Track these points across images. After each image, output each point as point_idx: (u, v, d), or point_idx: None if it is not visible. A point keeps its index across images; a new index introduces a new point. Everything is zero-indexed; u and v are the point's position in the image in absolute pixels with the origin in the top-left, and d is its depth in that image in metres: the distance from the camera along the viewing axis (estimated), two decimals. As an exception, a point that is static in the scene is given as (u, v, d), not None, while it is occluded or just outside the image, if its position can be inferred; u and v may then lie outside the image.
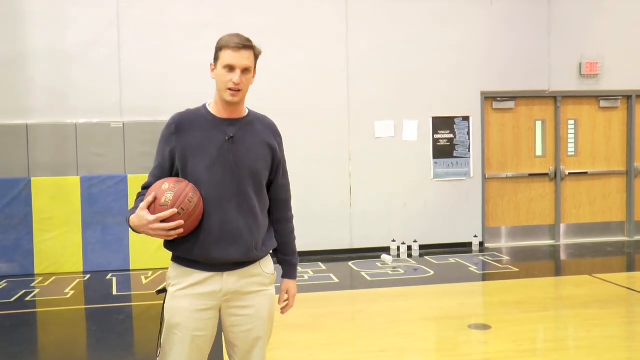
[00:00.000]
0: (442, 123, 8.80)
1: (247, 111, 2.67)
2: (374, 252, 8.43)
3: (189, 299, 2.49)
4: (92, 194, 7.63)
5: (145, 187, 2.56)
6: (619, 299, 6.12)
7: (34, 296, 6.61)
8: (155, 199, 2.36)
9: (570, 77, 9.08)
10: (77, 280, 7.25)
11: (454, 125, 8.83)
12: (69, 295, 6.62)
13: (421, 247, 8.56)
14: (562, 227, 9.31)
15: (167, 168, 2.54)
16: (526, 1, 8.91)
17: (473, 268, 7.66)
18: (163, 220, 2.36)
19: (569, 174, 9.27)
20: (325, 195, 8.48)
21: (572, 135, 9.30)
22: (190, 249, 2.49)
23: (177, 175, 2.53)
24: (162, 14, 8.06)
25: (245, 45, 2.48)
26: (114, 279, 7.24)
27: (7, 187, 7.56)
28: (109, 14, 7.99)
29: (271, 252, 2.74)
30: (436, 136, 8.79)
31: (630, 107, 9.37)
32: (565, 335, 5.15)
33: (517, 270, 7.52)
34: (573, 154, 9.30)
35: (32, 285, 7.08)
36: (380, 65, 8.58)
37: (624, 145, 9.41)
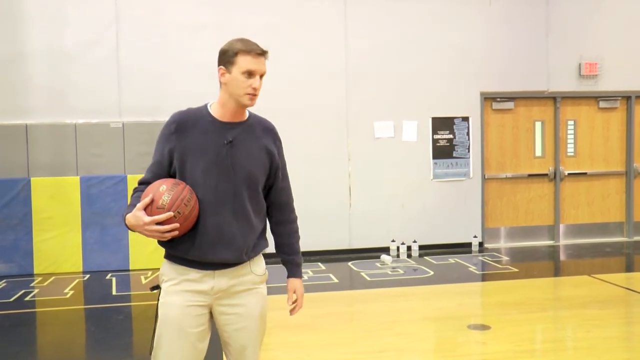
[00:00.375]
0: (441, 123, 8.80)
1: (247, 114, 2.68)
2: (373, 253, 8.44)
3: (182, 294, 2.52)
4: (92, 194, 7.63)
5: (142, 183, 2.58)
6: (617, 299, 6.13)
7: (33, 296, 6.61)
8: (152, 201, 2.38)
9: (570, 78, 9.08)
10: (77, 280, 7.25)
11: (454, 126, 8.83)
12: (68, 296, 6.62)
13: (420, 247, 8.56)
14: (561, 227, 9.32)
15: (166, 166, 2.56)
16: (525, 2, 8.92)
17: (472, 268, 7.66)
18: (159, 222, 2.38)
19: (568, 174, 9.28)
20: (324, 196, 8.48)
21: (571, 136, 9.30)
22: (186, 249, 2.51)
23: (174, 174, 2.55)
24: (161, 14, 8.06)
25: (264, 51, 2.58)
26: (114, 279, 7.24)
27: (7, 187, 7.55)
28: (108, 14, 8.00)
29: (263, 252, 2.77)
30: (435, 136, 8.80)
31: (629, 108, 9.38)
32: (564, 335, 5.16)
33: (516, 270, 7.52)
34: (572, 154, 9.31)
35: (32, 285, 7.07)
36: (380, 65, 8.58)
37: (623, 146, 9.42)
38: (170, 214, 2.37)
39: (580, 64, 9.05)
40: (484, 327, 5.16)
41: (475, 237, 8.82)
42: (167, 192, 2.39)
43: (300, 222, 8.36)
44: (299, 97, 8.39)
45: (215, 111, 2.59)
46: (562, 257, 8.70)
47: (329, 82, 8.49)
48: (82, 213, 7.64)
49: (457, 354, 4.63)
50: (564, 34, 9.01)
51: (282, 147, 2.80)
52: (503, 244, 9.19)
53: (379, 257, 8.21)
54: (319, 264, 8.02)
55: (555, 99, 9.18)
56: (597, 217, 9.41)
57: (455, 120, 8.83)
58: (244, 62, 2.51)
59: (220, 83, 2.58)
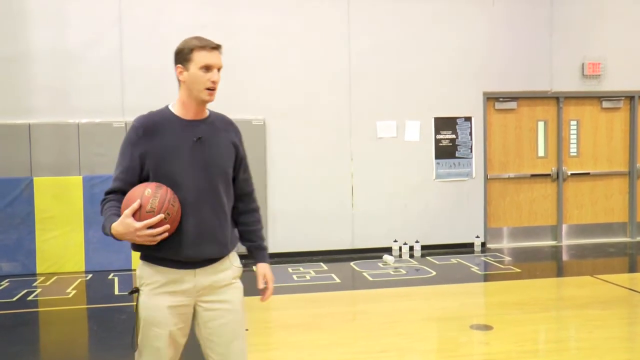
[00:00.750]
0: (444, 123, 8.79)
1: (208, 112, 2.71)
2: (375, 253, 8.43)
3: (166, 296, 2.55)
4: (94, 194, 7.63)
5: (111, 192, 2.58)
6: (620, 300, 6.11)
7: (36, 296, 6.62)
8: (140, 206, 2.37)
9: (573, 78, 9.07)
10: (79, 280, 7.26)
11: (456, 126, 8.82)
12: (70, 295, 6.63)
13: (423, 247, 8.56)
14: (564, 227, 9.30)
15: (137, 172, 2.56)
16: (528, 1, 8.90)
17: (475, 268, 7.65)
18: (150, 226, 2.39)
19: (571, 174, 9.26)
20: (327, 196, 8.48)
21: (574, 136, 9.28)
22: (170, 250, 2.53)
23: (146, 179, 2.55)
24: (164, 14, 8.07)
25: (218, 45, 2.64)
26: (116, 279, 7.25)
27: (9, 187, 7.57)
28: (111, 14, 8.01)
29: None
30: (438, 136, 8.79)
31: (632, 108, 9.36)
32: (566, 336, 5.15)
33: (518, 270, 7.51)
34: (575, 154, 9.29)
35: (34, 284, 7.09)
36: (382, 65, 8.57)
37: (627, 146, 9.40)
38: (161, 216, 2.38)
39: (583, 64, 9.03)
40: (486, 328, 5.15)
41: (477, 237, 8.80)
42: (154, 195, 2.40)
43: (302, 222, 8.48)
44: (302, 97, 8.39)
45: (177, 111, 2.62)
46: (564, 257, 8.68)
47: (331, 82, 8.48)
48: (84, 212, 7.65)
49: (459, 354, 4.62)
50: (567, 34, 8.99)
51: (242, 139, 2.83)
52: (506, 244, 9.17)
53: (381, 257, 8.21)
54: (321, 264, 8.01)
55: (558, 99, 9.16)
56: (600, 218, 9.39)
57: (458, 120, 8.82)
58: (200, 57, 2.56)
59: (179, 82, 2.62)
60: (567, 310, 5.81)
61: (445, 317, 5.54)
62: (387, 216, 8.64)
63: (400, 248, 8.47)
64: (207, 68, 2.57)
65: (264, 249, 2.88)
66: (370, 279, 7.17)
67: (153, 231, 2.38)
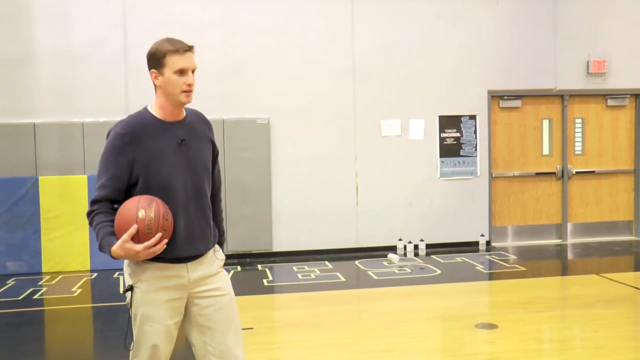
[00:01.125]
0: (448, 122, 8.78)
1: (184, 111, 2.73)
2: (380, 251, 8.43)
3: (162, 291, 2.61)
4: (99, 193, 7.65)
5: (99, 201, 2.57)
6: (626, 298, 6.09)
7: (42, 294, 6.64)
8: (137, 230, 2.42)
9: (577, 76, 9.04)
10: (84, 279, 7.28)
11: (461, 124, 8.81)
12: (76, 294, 6.65)
13: (428, 246, 8.55)
14: (569, 226, 9.27)
15: (125, 179, 2.56)
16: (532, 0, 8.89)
17: (479, 267, 7.64)
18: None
19: (576, 172, 9.23)
20: (331, 194, 8.48)
21: (579, 134, 9.26)
22: (164, 250, 2.54)
23: (135, 184, 2.57)
24: (168, 15, 8.07)
25: (190, 47, 2.60)
26: (121, 278, 7.26)
27: (15, 186, 7.59)
28: (115, 15, 8.02)
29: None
30: (443, 135, 8.78)
31: (637, 106, 9.32)
32: (571, 335, 5.14)
33: (523, 269, 7.50)
34: (580, 152, 9.27)
35: (40, 283, 7.11)
36: (387, 64, 8.56)
37: (632, 144, 9.37)
38: (160, 235, 2.45)
39: (588, 62, 9.00)
40: (491, 326, 5.14)
41: (482, 235, 8.79)
42: (148, 217, 2.43)
43: (307, 221, 8.49)
44: (306, 97, 8.39)
45: (157, 113, 2.65)
46: (570, 255, 8.66)
47: (336, 81, 8.48)
48: (89, 212, 7.66)
49: (464, 353, 4.62)
50: (571, 32, 8.96)
51: (213, 132, 2.87)
52: (510, 242, 9.15)
53: (386, 256, 8.20)
54: (326, 262, 8.02)
55: (563, 97, 9.14)
56: (605, 216, 9.36)
57: (463, 119, 8.80)
58: (173, 61, 2.56)
59: (155, 86, 2.64)
60: (572, 309, 5.79)
61: (450, 316, 5.53)
62: (392, 215, 8.64)
63: (405, 247, 8.47)
64: (182, 72, 2.57)
65: (222, 243, 2.95)
66: (375, 277, 7.16)
67: (155, 249, 2.46)
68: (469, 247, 8.75)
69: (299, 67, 8.37)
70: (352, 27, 8.52)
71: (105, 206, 2.57)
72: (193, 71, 2.61)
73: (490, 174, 8.97)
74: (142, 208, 2.44)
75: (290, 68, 8.36)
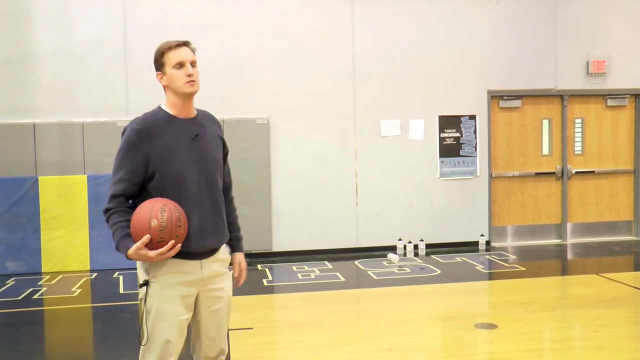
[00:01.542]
0: (448, 122, 8.78)
1: (195, 111, 2.87)
2: (380, 251, 8.43)
3: (177, 287, 2.70)
4: (99, 193, 7.65)
5: (117, 196, 2.69)
6: (626, 298, 6.09)
7: (41, 294, 6.64)
8: (151, 240, 2.54)
9: (577, 76, 9.04)
10: (84, 279, 7.28)
11: (461, 124, 8.81)
12: (75, 294, 6.65)
13: (427, 246, 8.55)
14: (569, 226, 9.28)
15: (141, 173, 2.68)
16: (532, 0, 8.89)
17: (479, 267, 7.64)
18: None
19: (576, 172, 9.24)
20: (331, 194, 8.48)
21: (579, 134, 9.26)
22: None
23: (150, 178, 2.67)
24: (168, 15, 8.07)
25: (184, 42, 2.77)
26: (121, 278, 7.26)
27: (15, 186, 7.59)
28: (115, 15, 8.02)
29: None
30: (442, 135, 8.78)
31: (637, 106, 9.32)
32: (571, 335, 5.14)
33: (523, 269, 7.50)
34: (580, 152, 9.27)
35: (39, 283, 7.11)
36: (387, 64, 8.56)
37: (632, 144, 9.37)
38: (172, 242, 2.56)
39: (588, 62, 9.00)
40: (491, 326, 5.14)
41: (482, 235, 8.79)
42: (160, 226, 2.53)
43: (306, 221, 8.49)
44: (306, 97, 8.39)
45: (170, 111, 2.77)
46: (569, 255, 8.66)
47: (336, 81, 8.48)
48: (89, 212, 7.67)
49: (464, 353, 4.62)
50: (571, 32, 8.96)
51: (223, 132, 3.02)
52: (510, 242, 9.16)
53: (385, 256, 8.20)
54: (326, 262, 8.01)
55: (562, 97, 9.14)
56: (605, 216, 9.37)
57: (462, 119, 8.81)
58: (170, 57, 2.73)
59: (164, 87, 2.79)
60: (572, 309, 5.79)
61: (450, 316, 5.53)
62: (392, 215, 8.64)
63: (404, 246, 8.47)
64: (180, 65, 2.71)
65: (240, 239, 3.07)
66: (375, 277, 7.16)
67: (167, 254, 2.58)
68: (469, 247, 8.75)
69: (298, 67, 8.37)
70: (352, 27, 8.52)
71: (122, 204, 2.69)
72: (192, 64, 2.74)
73: (490, 174, 8.97)
74: (154, 217, 2.53)
75: (290, 68, 8.36)
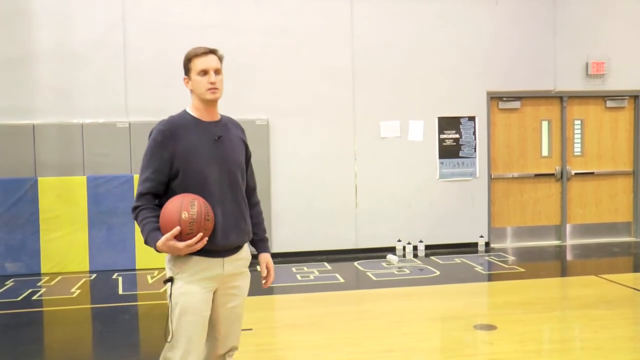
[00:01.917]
0: (447, 123, 8.78)
1: (220, 115, 3.01)
2: (379, 252, 8.43)
3: (199, 283, 2.79)
4: (98, 194, 7.65)
5: (145, 194, 2.80)
6: (625, 299, 6.10)
7: (40, 295, 6.63)
8: (180, 232, 2.64)
9: (577, 77, 9.05)
10: (83, 280, 7.27)
11: (460, 125, 8.81)
12: (75, 295, 6.64)
13: (427, 247, 8.55)
14: (568, 227, 9.28)
15: (166, 172, 2.80)
16: (531, 1, 8.88)
17: (479, 268, 7.64)
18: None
19: (575, 174, 9.24)
20: (330, 195, 8.48)
21: (579, 136, 9.26)
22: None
23: (174, 177, 2.79)
24: (168, 15, 8.08)
25: (211, 50, 2.91)
26: (120, 279, 7.26)
27: (14, 187, 7.59)
28: (115, 15, 8.02)
29: None
30: (442, 136, 8.78)
31: (637, 107, 9.33)
32: (571, 336, 5.14)
33: (522, 270, 7.50)
34: (579, 154, 9.27)
35: (39, 284, 7.10)
36: (386, 65, 8.57)
37: (631, 146, 9.38)
38: (201, 234, 2.67)
39: (587, 63, 9.01)
40: (490, 327, 5.14)
41: (481, 236, 8.79)
42: (190, 218, 2.64)
43: (306, 222, 8.49)
44: (305, 97, 8.39)
45: (194, 114, 2.92)
46: (569, 257, 8.66)
47: (335, 82, 8.48)
48: (88, 213, 7.66)
49: (463, 354, 4.62)
50: (570, 33, 8.97)
51: (247, 138, 3.12)
52: (509, 243, 9.16)
53: (385, 257, 8.20)
54: (325, 263, 8.01)
55: (562, 99, 9.14)
56: (604, 217, 9.37)
57: (462, 120, 8.81)
58: (196, 64, 2.87)
59: (190, 91, 2.93)
60: (572, 310, 5.80)
61: (449, 317, 5.53)
62: (391, 216, 8.64)
63: (404, 248, 8.47)
64: (204, 72, 2.85)
65: (266, 240, 3.20)
66: (374, 278, 7.16)
67: (195, 246, 2.68)
68: (468, 248, 8.75)
69: (298, 68, 8.37)
70: (352, 27, 8.52)
71: (149, 201, 2.79)
72: (216, 72, 2.88)
73: (490, 175, 8.97)
74: (184, 210, 2.64)
75: (289, 69, 8.36)
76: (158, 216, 2.72)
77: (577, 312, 5.66)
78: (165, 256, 2.84)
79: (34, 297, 6.54)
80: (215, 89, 2.85)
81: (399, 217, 8.65)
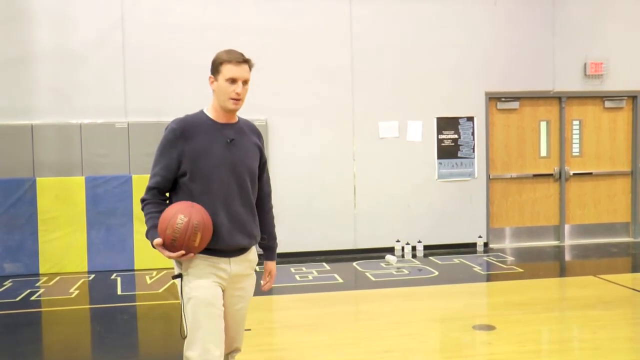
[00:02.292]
0: (446, 123, 8.79)
1: (237, 118, 3.00)
2: (378, 253, 8.43)
3: (210, 276, 2.83)
4: (97, 194, 7.65)
5: (153, 188, 2.87)
6: (624, 300, 6.10)
7: (39, 296, 6.63)
8: (164, 242, 2.73)
9: (575, 78, 9.06)
10: (82, 280, 7.27)
11: (458, 126, 8.82)
12: (73, 295, 6.64)
13: (425, 247, 8.55)
14: (567, 227, 9.29)
15: (174, 169, 2.84)
16: (530, 1, 8.89)
17: (477, 269, 7.65)
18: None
19: (574, 174, 9.25)
20: (329, 196, 8.48)
21: (577, 136, 9.27)
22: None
23: (183, 174, 2.83)
24: (167, 15, 8.07)
25: (245, 59, 2.88)
26: (119, 279, 7.25)
27: (12, 187, 7.58)
28: (114, 15, 8.01)
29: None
30: (440, 136, 8.78)
31: (635, 108, 9.34)
32: (569, 336, 5.14)
33: (521, 270, 7.50)
34: (578, 154, 9.28)
35: (37, 285, 7.10)
36: (385, 65, 8.57)
37: (629, 146, 9.39)
38: (182, 252, 2.72)
39: (585, 64, 9.02)
40: (489, 328, 5.15)
41: (480, 237, 8.80)
42: (172, 235, 2.70)
43: (304, 222, 8.50)
44: (304, 98, 8.40)
45: (211, 114, 2.90)
46: (567, 257, 8.67)
47: (334, 82, 8.48)
48: (87, 213, 7.66)
49: (462, 355, 4.62)
50: (569, 34, 8.98)
51: (263, 144, 3.11)
52: (508, 244, 9.16)
53: (383, 257, 8.20)
54: (324, 264, 8.01)
55: (560, 99, 9.15)
56: (603, 218, 9.38)
57: (460, 120, 8.82)
58: (227, 70, 2.83)
59: (212, 90, 2.92)
60: (570, 310, 5.80)
61: (448, 318, 5.54)
62: (390, 216, 8.64)
63: (402, 248, 8.47)
64: (233, 80, 2.82)
65: (275, 248, 3.23)
66: (373, 279, 7.16)
67: (182, 258, 2.76)
68: (467, 248, 8.76)
69: (297, 68, 8.37)
70: (351, 28, 8.52)
71: (155, 196, 2.87)
72: (245, 82, 2.86)
73: (488, 176, 8.98)
74: (170, 226, 2.69)
75: (288, 69, 8.36)
76: (161, 212, 2.78)
77: (576, 312, 5.67)
78: None
79: (33, 298, 6.53)
80: (238, 100, 2.84)
81: (397, 217, 8.66)
